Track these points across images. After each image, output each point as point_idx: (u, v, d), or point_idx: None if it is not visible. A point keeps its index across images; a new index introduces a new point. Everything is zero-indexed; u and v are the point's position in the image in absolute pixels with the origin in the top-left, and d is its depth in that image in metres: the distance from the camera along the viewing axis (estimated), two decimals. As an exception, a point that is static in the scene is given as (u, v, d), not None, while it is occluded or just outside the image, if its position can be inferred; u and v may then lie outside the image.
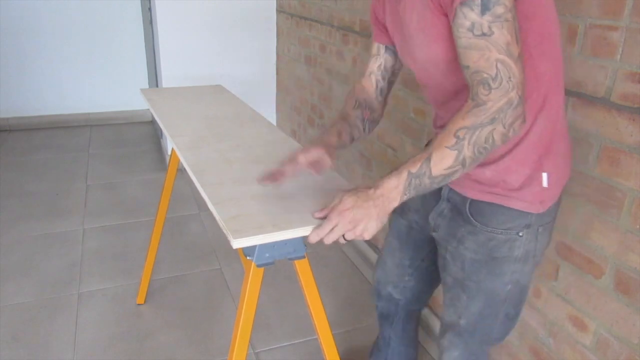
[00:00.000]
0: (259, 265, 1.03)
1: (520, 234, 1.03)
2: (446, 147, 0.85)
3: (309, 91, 2.99)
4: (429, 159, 0.87)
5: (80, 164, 3.56)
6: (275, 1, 3.37)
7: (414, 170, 0.88)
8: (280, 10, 3.33)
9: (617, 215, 1.17)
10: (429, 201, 1.17)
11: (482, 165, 1.00)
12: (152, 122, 4.47)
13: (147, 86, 4.39)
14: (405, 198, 0.90)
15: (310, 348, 1.92)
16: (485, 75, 0.83)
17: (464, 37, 0.84)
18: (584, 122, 1.22)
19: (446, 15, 0.88)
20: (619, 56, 1.12)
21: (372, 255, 2.39)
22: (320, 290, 1.16)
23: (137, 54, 4.32)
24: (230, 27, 3.33)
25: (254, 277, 1.05)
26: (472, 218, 1.06)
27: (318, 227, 0.92)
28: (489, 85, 0.82)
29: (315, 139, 1.11)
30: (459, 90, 0.98)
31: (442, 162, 0.86)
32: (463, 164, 0.86)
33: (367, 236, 0.90)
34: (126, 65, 4.32)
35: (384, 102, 1.23)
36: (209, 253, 2.53)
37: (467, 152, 0.85)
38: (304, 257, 1.08)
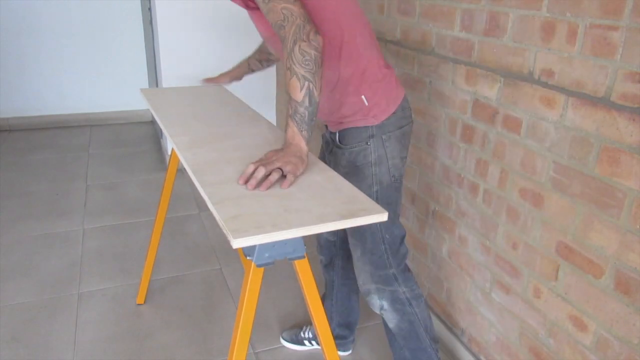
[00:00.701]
0: (258, 265, 1.03)
1: (368, 143, 1.36)
2: (289, 80, 1.14)
3: (309, 91, 2.99)
4: (289, 96, 1.15)
5: (80, 164, 3.56)
6: (275, 1, 3.37)
7: (290, 112, 1.15)
8: (280, 10, 3.33)
9: (617, 215, 1.17)
10: (326, 149, 1.55)
11: (330, 112, 1.39)
12: (152, 122, 4.47)
13: (147, 86, 4.39)
14: (305, 134, 1.16)
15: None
16: (279, 22, 1.14)
17: (263, 9, 1.16)
18: (584, 122, 1.22)
19: (254, 6, 1.23)
20: (619, 56, 1.12)
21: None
22: (320, 290, 1.16)
23: (137, 54, 4.32)
24: (230, 27, 3.33)
25: (253, 277, 1.05)
26: (340, 144, 1.40)
27: (250, 178, 1.09)
28: (282, 26, 1.14)
29: (228, 72, 1.82)
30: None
31: (295, 89, 1.13)
32: (307, 79, 1.13)
33: (295, 171, 1.12)
34: (126, 65, 4.32)
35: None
36: (209, 253, 2.53)
37: (300, 71, 1.12)
38: (303, 257, 1.08)
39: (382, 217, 1.02)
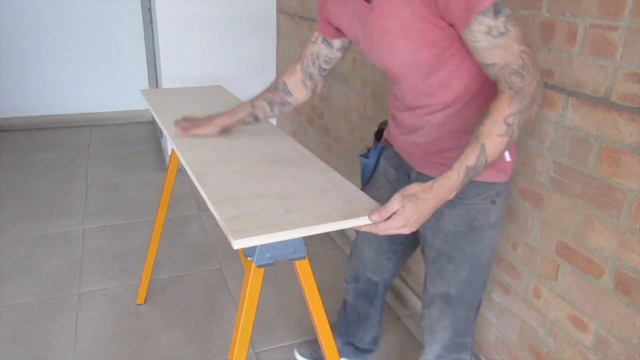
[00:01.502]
0: (259, 266, 1.03)
1: (494, 202, 1.17)
2: (498, 135, 0.93)
3: (309, 91, 2.99)
4: (483, 149, 0.94)
5: (80, 164, 3.56)
6: (275, 1, 3.37)
7: (471, 164, 0.94)
8: (280, 10, 3.33)
9: (617, 215, 1.17)
10: (399, 186, 1.19)
11: (451, 149, 1.09)
12: (152, 122, 4.47)
13: (147, 86, 4.39)
14: (460, 187, 0.97)
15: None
16: (514, 66, 0.92)
17: (483, 41, 0.92)
18: (584, 122, 1.22)
19: (442, 25, 0.97)
20: (619, 56, 1.12)
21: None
22: (321, 291, 1.16)
23: (137, 54, 4.31)
24: (230, 27, 3.33)
25: (254, 278, 1.05)
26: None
27: (382, 222, 0.95)
28: (520, 74, 0.92)
29: (218, 116, 1.38)
30: (430, 94, 1.10)
31: (497, 149, 0.94)
32: (509, 145, 0.95)
33: (414, 227, 0.97)
34: (126, 65, 4.32)
35: (315, 88, 1.35)
36: (209, 253, 2.53)
37: (515, 135, 0.94)
38: (304, 257, 1.08)
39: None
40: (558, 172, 1.32)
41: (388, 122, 1.34)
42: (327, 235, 2.71)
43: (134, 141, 4.05)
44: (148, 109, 3.31)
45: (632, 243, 1.14)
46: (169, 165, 1.91)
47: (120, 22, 4.17)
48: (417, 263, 2.05)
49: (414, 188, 0.96)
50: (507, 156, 1.15)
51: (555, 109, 1.30)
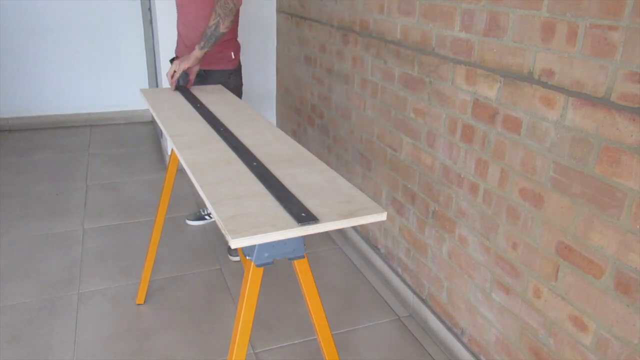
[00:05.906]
0: (258, 265, 1.03)
1: (230, 77, 2.32)
2: (211, 15, 2.02)
3: (309, 91, 2.99)
4: (208, 25, 2.05)
5: (80, 164, 3.56)
6: (275, 1, 3.37)
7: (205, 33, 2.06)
8: (280, 10, 3.33)
9: (617, 215, 1.17)
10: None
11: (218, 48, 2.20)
12: (152, 122, 4.47)
13: (147, 86, 4.39)
14: (201, 45, 2.03)
15: (310, 348, 1.92)
16: None
17: None
18: (584, 122, 1.22)
19: None
20: (619, 56, 1.12)
21: (373, 256, 2.39)
22: (320, 290, 1.16)
23: (137, 54, 4.32)
24: (230, 27, 3.32)
25: (253, 277, 1.05)
26: (207, 77, 2.26)
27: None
28: None
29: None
30: (200, 16, 2.20)
31: (211, 22, 2.00)
32: (218, 19, 1.98)
33: (179, 66, 2.00)
34: (126, 65, 4.32)
35: None
36: (209, 253, 2.53)
37: (218, 10, 1.97)
38: (303, 257, 1.08)
39: (381, 216, 1.02)
40: (558, 172, 1.32)
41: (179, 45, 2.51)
42: (326, 235, 2.71)
43: (134, 141, 4.06)
44: (148, 109, 3.31)
45: (632, 243, 1.14)
46: (168, 165, 1.91)
47: (120, 22, 4.18)
48: (415, 261, 2.05)
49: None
50: (232, 55, 2.32)
51: (556, 109, 1.30)
